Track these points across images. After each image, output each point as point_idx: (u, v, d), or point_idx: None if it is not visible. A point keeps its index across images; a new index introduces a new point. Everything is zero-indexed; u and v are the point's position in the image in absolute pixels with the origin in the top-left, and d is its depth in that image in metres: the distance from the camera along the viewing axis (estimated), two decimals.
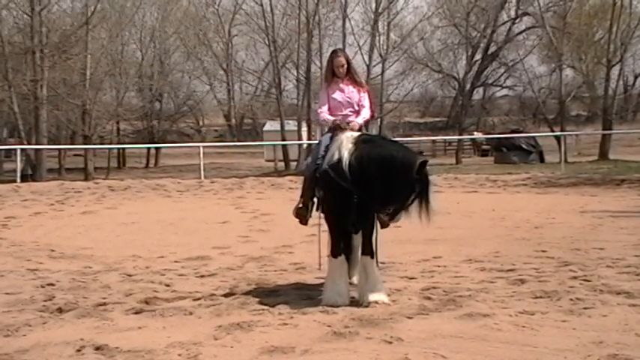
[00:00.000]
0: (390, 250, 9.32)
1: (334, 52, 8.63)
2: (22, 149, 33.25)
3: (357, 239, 8.26)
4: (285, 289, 8.89)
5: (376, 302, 7.78)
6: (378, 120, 49.21)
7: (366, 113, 8.32)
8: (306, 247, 11.70)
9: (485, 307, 7.60)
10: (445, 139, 49.92)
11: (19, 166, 30.77)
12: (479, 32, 48.20)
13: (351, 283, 8.23)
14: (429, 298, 8.09)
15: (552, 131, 43.08)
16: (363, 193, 7.62)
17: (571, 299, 7.85)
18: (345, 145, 7.84)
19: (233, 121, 56.93)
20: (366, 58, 44.09)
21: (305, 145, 39.77)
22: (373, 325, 7.01)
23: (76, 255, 11.84)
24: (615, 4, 40.77)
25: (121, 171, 44.09)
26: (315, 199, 8.48)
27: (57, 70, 38.58)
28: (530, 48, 50.78)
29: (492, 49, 49.23)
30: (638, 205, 17.79)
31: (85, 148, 39.25)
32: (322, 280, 8.54)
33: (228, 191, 24.86)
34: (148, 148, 49.11)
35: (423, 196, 7.46)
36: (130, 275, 9.99)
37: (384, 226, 8.24)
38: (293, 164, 41.39)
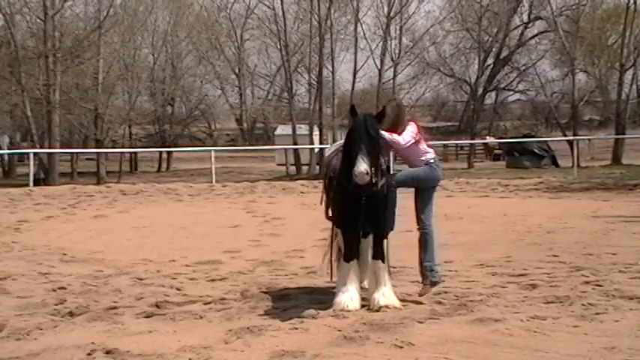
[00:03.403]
0: (401, 254, 9.29)
1: (388, 101, 8.70)
2: (34, 153, 33.40)
3: (367, 244, 8.25)
4: (295, 293, 8.88)
5: (387, 306, 7.77)
6: None
7: (397, 137, 8.22)
8: (317, 252, 11.68)
9: (496, 312, 7.58)
10: (457, 144, 49.83)
11: (31, 169, 30.85)
12: (491, 36, 48.12)
13: (362, 288, 8.22)
14: (440, 303, 8.07)
15: (565, 136, 42.93)
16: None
17: (583, 304, 7.82)
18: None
19: (245, 125, 56.97)
20: (378, 62, 44.15)
21: (317, 150, 39.79)
22: (384, 329, 6.99)
23: (88, 259, 11.87)
24: (629, 8, 40.62)
25: (133, 175, 44.23)
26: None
27: (70, 75, 38.76)
28: (542, 52, 50.73)
29: (504, 53, 49.19)
30: None
31: (97, 152, 39.41)
32: (333, 285, 8.54)
33: (239, 195, 24.88)
34: (160, 152, 49.25)
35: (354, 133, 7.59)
36: (140, 279, 10.01)
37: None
38: (305, 168, 41.41)
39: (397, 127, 8.25)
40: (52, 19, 37.07)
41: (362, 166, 7.33)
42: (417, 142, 8.30)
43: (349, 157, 7.56)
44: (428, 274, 8.30)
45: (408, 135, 8.25)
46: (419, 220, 8.35)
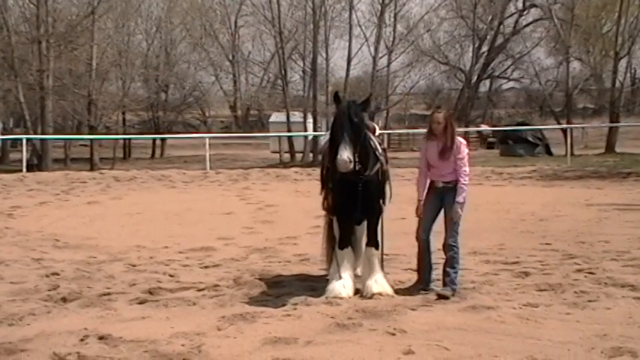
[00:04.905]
0: (395, 242, 9.31)
1: (435, 109, 8.35)
2: (27, 139, 33.27)
3: (361, 231, 8.27)
4: (289, 280, 8.90)
5: (380, 294, 7.78)
6: (385, 112, 49.24)
7: (465, 182, 8.05)
8: (310, 239, 11.71)
9: (489, 300, 7.61)
10: None
11: (24, 155, 30.78)
12: (486, 24, 48.05)
13: (355, 275, 8.23)
14: (432, 290, 8.09)
15: (559, 124, 42.93)
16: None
17: (575, 292, 7.86)
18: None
19: (239, 112, 56.83)
20: (373, 49, 44.05)
21: (310, 137, 39.75)
22: (377, 316, 7.02)
23: (81, 245, 11.86)
24: None
25: (127, 161, 44.11)
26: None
27: (63, 60, 38.58)
28: (537, 40, 50.56)
29: (499, 41, 49.09)
30: None
31: (90, 139, 39.28)
32: (326, 272, 8.55)
33: (233, 182, 24.87)
34: (154, 139, 49.12)
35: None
36: (134, 265, 10.01)
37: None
38: (299, 156, 41.37)
39: (453, 138, 7.97)
40: (45, 4, 36.83)
41: (344, 154, 7.31)
42: (454, 158, 8.01)
43: (334, 146, 7.55)
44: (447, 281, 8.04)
45: (467, 163, 8.06)
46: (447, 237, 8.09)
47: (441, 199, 8.10)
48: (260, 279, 8.87)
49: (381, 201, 8.12)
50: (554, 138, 41.38)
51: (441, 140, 7.99)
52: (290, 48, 44.41)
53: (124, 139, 46.89)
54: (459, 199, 8.02)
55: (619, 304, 7.37)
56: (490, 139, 48.37)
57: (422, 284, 8.10)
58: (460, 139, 8.11)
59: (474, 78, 48.45)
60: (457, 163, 8.01)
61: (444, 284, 7.98)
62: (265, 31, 47.17)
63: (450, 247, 8.06)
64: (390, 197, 8.25)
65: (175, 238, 12.51)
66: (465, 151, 8.06)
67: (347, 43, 43.32)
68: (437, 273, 8.39)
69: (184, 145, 50.86)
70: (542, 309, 7.26)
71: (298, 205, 17.22)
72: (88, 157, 39.76)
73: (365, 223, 8.14)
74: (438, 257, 8.49)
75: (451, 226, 8.05)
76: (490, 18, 47.82)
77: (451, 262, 8.02)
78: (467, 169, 8.07)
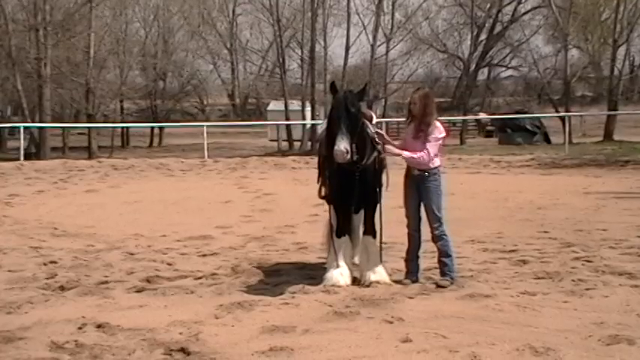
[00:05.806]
0: (392, 230, 9.28)
1: (414, 90, 8.21)
2: (25, 127, 33.23)
3: (358, 219, 8.26)
4: (286, 268, 8.91)
5: (377, 282, 7.80)
6: (383, 100, 49.17)
7: (422, 155, 7.77)
8: (308, 227, 11.72)
9: (486, 288, 7.62)
10: (449, 120, 49.64)
11: (22, 144, 30.76)
12: (484, 12, 47.91)
13: (353, 263, 8.24)
14: (430, 279, 8.11)
15: (557, 112, 42.89)
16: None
17: (573, 280, 7.87)
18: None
19: (237, 100, 56.74)
20: (371, 37, 43.93)
21: (309, 125, 39.71)
22: (374, 305, 7.02)
23: (79, 233, 11.86)
24: None
25: (125, 150, 44.08)
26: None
27: (60, 48, 38.47)
28: (535, 28, 50.45)
29: (498, 29, 48.95)
30: None
31: (88, 127, 39.22)
32: (324, 260, 8.55)
33: (231, 171, 24.85)
34: (152, 128, 49.06)
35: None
36: (132, 254, 10.01)
37: None
38: (297, 144, 41.33)
39: (424, 119, 7.86)
40: None
41: (341, 145, 7.28)
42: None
43: (331, 136, 7.52)
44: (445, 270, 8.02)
45: (434, 147, 7.85)
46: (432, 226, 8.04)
47: (417, 188, 8.00)
48: (258, 267, 8.88)
49: (378, 189, 8.12)
50: (552, 126, 41.38)
51: (417, 121, 7.94)
52: (288, 36, 44.33)
53: (122, 127, 46.83)
54: (405, 154, 7.85)
55: (616, 292, 7.39)
56: (488, 128, 48.36)
57: (411, 275, 8.10)
58: (437, 124, 7.99)
59: (473, 66, 48.34)
60: (425, 144, 7.83)
61: (443, 274, 7.98)
62: (263, 19, 47.11)
63: (438, 238, 8.02)
64: (387, 186, 8.23)
65: (173, 226, 12.51)
66: (437, 135, 7.87)
67: (345, 31, 43.26)
68: (434, 262, 8.39)
69: (182, 133, 50.77)
70: (539, 297, 7.27)
71: (296, 193, 17.21)
72: (86, 146, 39.70)
73: (362, 212, 8.13)
74: (433, 247, 8.49)
75: (432, 216, 7.98)
76: (488, 6, 47.68)
77: (445, 252, 8.00)
78: (432, 150, 7.81)
